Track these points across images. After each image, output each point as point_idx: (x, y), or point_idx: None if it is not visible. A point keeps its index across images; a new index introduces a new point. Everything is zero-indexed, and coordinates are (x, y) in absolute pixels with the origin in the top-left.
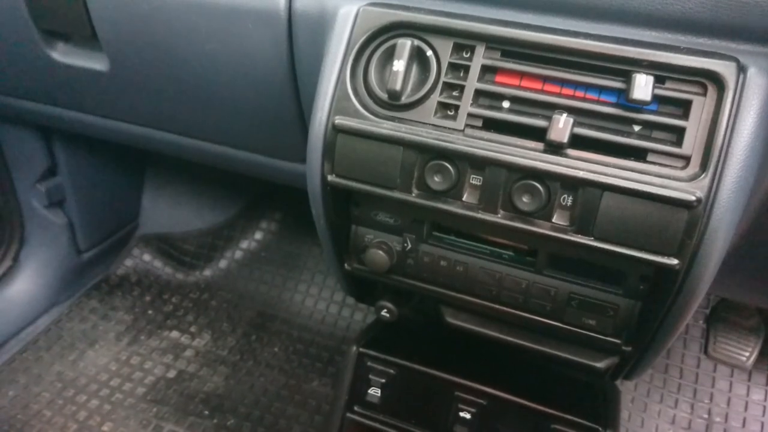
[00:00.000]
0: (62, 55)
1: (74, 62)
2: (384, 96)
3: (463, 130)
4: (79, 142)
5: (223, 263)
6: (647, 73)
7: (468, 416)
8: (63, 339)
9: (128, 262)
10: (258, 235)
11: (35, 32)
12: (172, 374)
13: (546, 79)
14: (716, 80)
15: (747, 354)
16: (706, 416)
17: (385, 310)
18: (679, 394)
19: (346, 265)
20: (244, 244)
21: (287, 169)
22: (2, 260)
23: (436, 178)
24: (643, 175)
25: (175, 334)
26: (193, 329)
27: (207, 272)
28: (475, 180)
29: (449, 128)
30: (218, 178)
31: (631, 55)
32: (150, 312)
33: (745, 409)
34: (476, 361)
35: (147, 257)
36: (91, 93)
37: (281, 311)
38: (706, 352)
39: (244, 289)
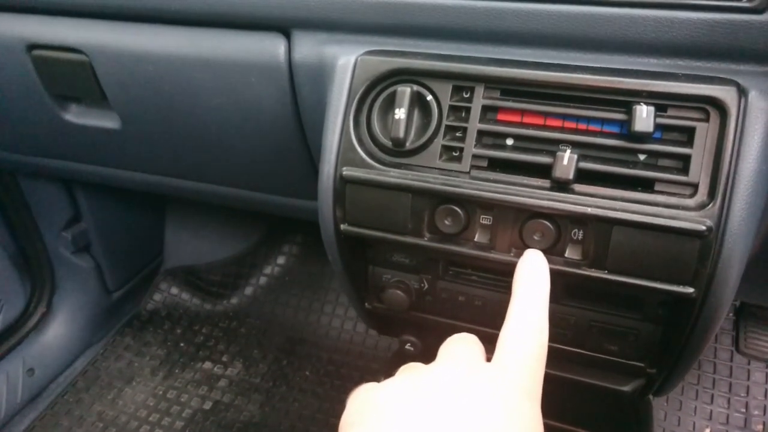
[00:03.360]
0: (75, 116)
1: (87, 122)
2: (388, 143)
3: (468, 172)
4: (99, 189)
5: (248, 290)
6: (648, 104)
7: None
8: (101, 379)
9: (157, 297)
10: (281, 260)
11: (47, 97)
12: (208, 405)
13: (547, 115)
14: (718, 106)
15: None
16: (743, 410)
17: (409, 344)
18: (715, 389)
19: (366, 304)
20: (268, 270)
21: (301, 206)
22: (36, 307)
23: (446, 222)
24: (652, 207)
25: (207, 365)
26: (225, 359)
27: (234, 300)
28: (485, 220)
29: (455, 171)
30: (238, 208)
31: (630, 87)
32: (182, 344)
33: None
34: None
35: (174, 290)
36: (105, 148)
37: (309, 334)
38: (737, 348)
39: (271, 314)
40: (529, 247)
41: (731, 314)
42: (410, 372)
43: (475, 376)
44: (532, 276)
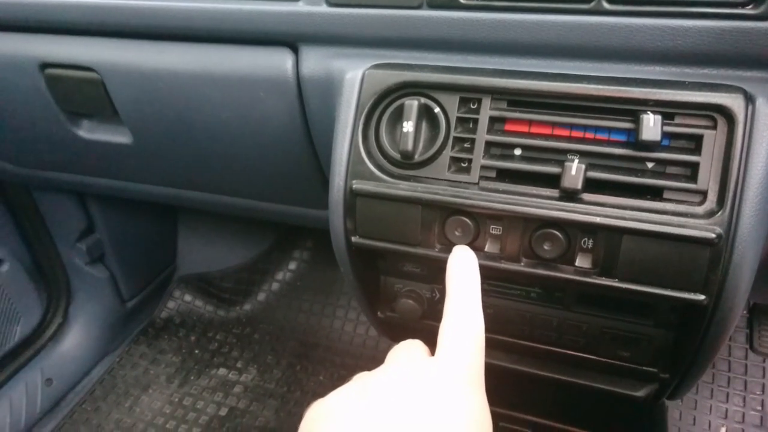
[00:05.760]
0: (87, 132)
1: (99, 137)
2: (397, 156)
3: (477, 183)
4: (112, 200)
5: (261, 296)
6: (655, 112)
7: None
8: (117, 387)
9: (171, 305)
10: (292, 265)
11: (60, 114)
12: (223, 412)
13: (555, 125)
14: (725, 114)
15: None
16: (759, 408)
17: None
18: (730, 387)
19: (378, 313)
20: (280, 276)
21: (311, 215)
22: (53, 318)
23: (456, 233)
24: (661, 215)
25: (222, 371)
26: (239, 365)
27: (247, 307)
28: (495, 230)
29: (464, 182)
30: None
31: (636, 96)
32: (197, 351)
33: None
34: (518, 390)
35: (188, 297)
36: (117, 162)
37: (322, 338)
38: (752, 347)
39: (284, 319)
40: (539, 257)
41: (745, 312)
42: (358, 379)
43: (418, 373)
44: (462, 272)
